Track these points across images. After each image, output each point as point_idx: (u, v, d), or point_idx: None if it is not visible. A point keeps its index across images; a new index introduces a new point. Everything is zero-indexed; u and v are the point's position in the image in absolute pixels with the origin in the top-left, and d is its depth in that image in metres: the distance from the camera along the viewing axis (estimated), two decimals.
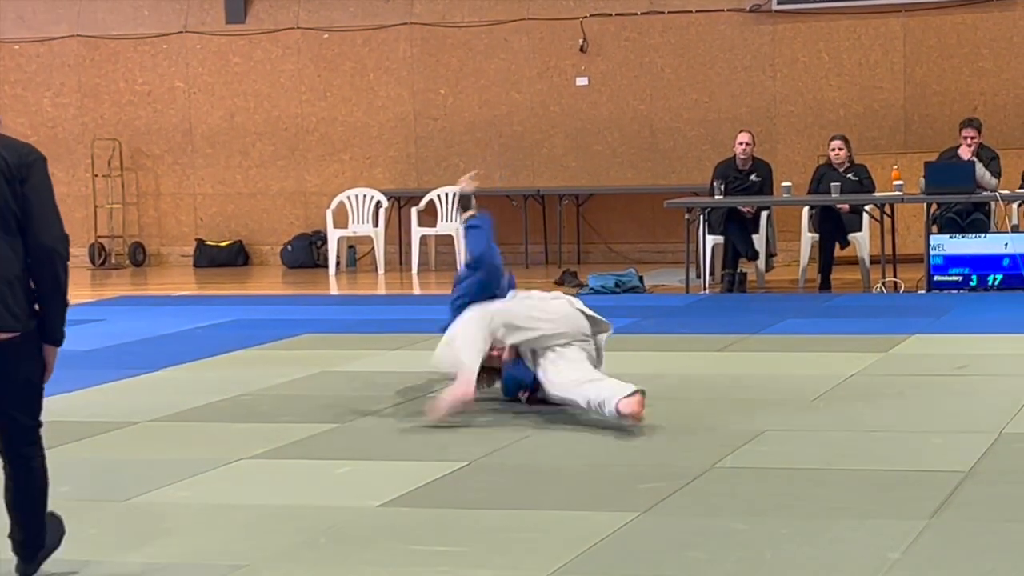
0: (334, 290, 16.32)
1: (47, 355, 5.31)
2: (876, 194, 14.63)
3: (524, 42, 18.10)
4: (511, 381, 8.54)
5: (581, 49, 17.93)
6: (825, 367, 9.64)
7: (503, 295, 8.55)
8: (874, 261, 14.53)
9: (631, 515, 6.09)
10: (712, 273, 14.94)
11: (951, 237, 13.96)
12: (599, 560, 5.55)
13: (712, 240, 14.80)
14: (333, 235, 17.51)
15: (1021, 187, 14.69)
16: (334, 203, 17.65)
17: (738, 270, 14.56)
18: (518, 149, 18.18)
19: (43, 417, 5.42)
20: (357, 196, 17.72)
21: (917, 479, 6.63)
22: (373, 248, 17.68)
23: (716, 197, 14.58)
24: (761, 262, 14.75)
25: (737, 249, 14.60)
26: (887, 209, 14.45)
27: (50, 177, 5.33)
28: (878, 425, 7.88)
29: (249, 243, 18.98)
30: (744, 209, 14.65)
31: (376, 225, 17.56)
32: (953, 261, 13.77)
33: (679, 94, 17.73)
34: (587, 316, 8.44)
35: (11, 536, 5.46)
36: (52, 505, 5.53)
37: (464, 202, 9.11)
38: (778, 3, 17.34)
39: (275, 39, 18.75)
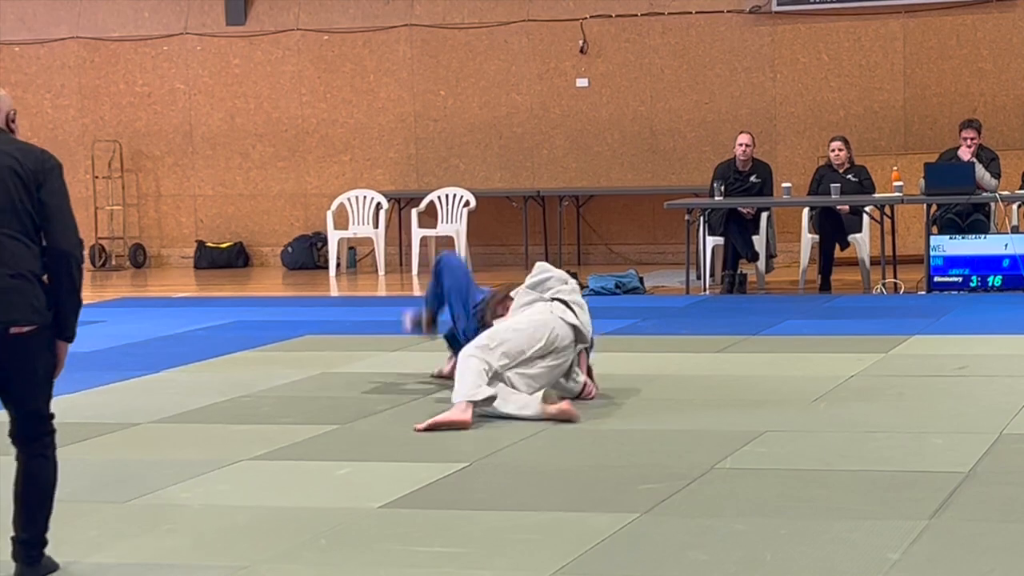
0: (334, 291, 16.33)
1: (59, 351, 5.52)
2: (876, 195, 14.63)
3: (524, 43, 18.11)
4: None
5: (581, 50, 17.94)
6: (825, 368, 9.64)
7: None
8: (874, 262, 14.54)
9: (631, 516, 6.10)
10: (712, 274, 14.95)
11: (951, 238, 13.97)
12: (599, 561, 5.56)
13: (712, 241, 14.81)
14: (333, 236, 17.52)
15: (1021, 188, 14.69)
16: (334, 204, 17.67)
17: (738, 271, 14.57)
18: (518, 150, 18.19)
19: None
20: (357, 197, 17.73)
21: (917, 480, 6.63)
22: (373, 249, 17.69)
23: (716, 198, 14.59)
24: (761, 263, 14.75)
25: (737, 250, 14.61)
26: (887, 210, 14.45)
27: (66, 184, 5.56)
28: (878, 426, 7.88)
29: (249, 244, 18.99)
30: (744, 210, 14.66)
31: (376, 226, 17.57)
32: (953, 262, 13.78)
33: (679, 95, 17.74)
34: (569, 324, 8.55)
35: (15, 537, 5.48)
36: (53, 508, 5.55)
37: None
38: (778, 4, 17.35)
39: (275, 41, 18.76)
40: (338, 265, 17.61)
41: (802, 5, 17.31)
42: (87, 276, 17.85)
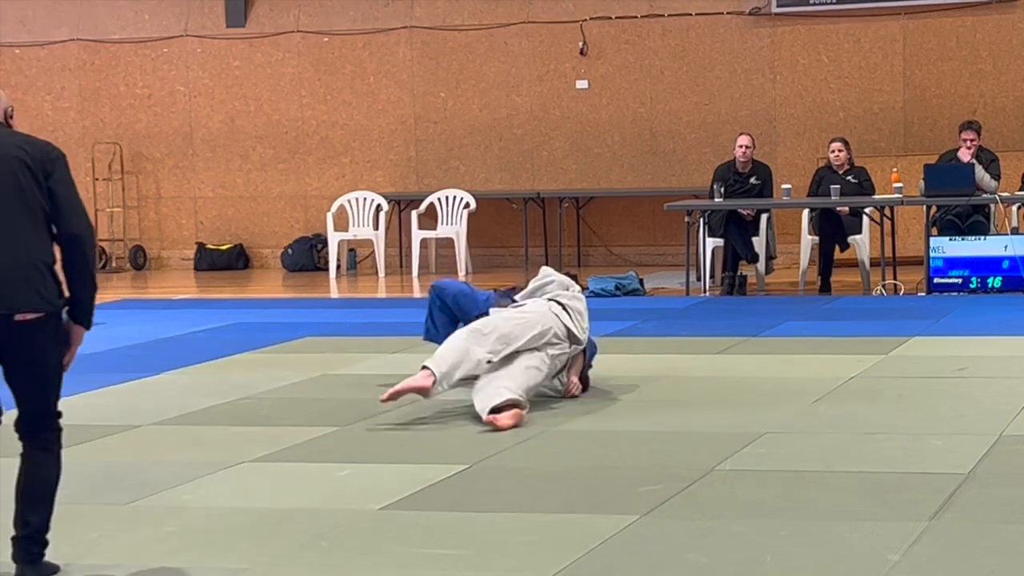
0: (334, 293, 16.33)
1: (76, 335, 5.56)
2: (876, 196, 14.64)
3: (524, 45, 18.12)
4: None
5: (581, 52, 17.95)
6: (825, 369, 9.65)
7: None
8: (874, 263, 14.54)
9: (631, 518, 6.10)
10: (712, 276, 14.96)
11: (951, 239, 13.98)
12: (599, 563, 5.56)
13: (712, 243, 14.82)
14: (333, 238, 17.53)
15: (1021, 189, 14.70)
16: (334, 206, 17.67)
17: (738, 273, 14.58)
18: (518, 152, 18.20)
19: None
20: (357, 199, 17.73)
21: (917, 481, 6.64)
22: (373, 251, 17.69)
23: (716, 200, 14.60)
24: (761, 265, 14.76)
25: (737, 252, 14.62)
26: (887, 211, 14.46)
27: (71, 172, 5.70)
28: (878, 427, 7.89)
29: (249, 246, 19.00)
30: (744, 212, 14.66)
31: (376, 228, 17.57)
32: (953, 263, 13.79)
33: (679, 97, 17.75)
34: (565, 324, 8.66)
35: (15, 536, 5.47)
36: (54, 509, 5.56)
37: None
38: (778, 6, 17.36)
39: (275, 43, 18.77)
40: (338, 267, 17.62)
41: (802, 7, 17.32)
42: None
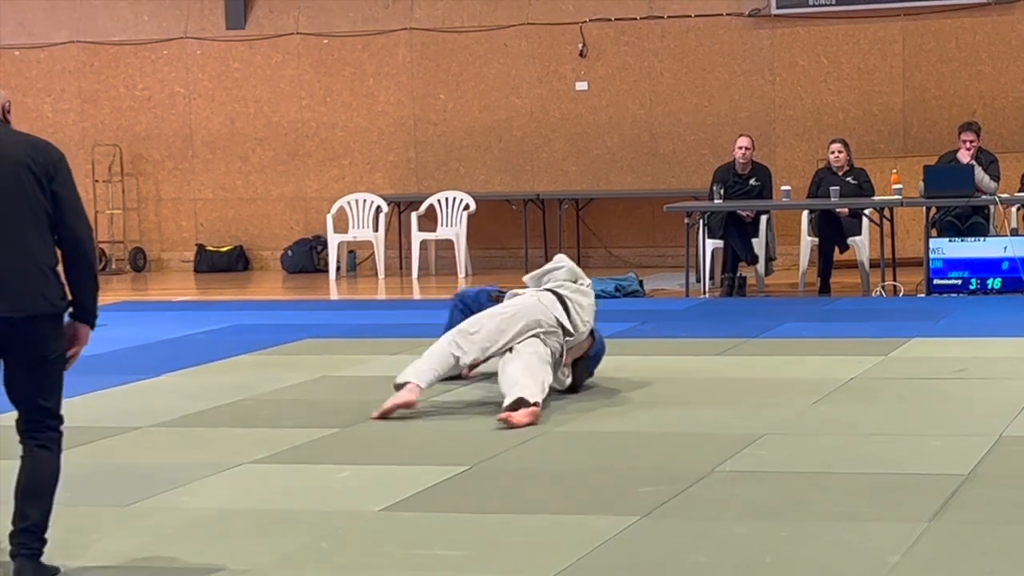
0: (334, 295, 16.34)
1: (81, 334, 5.64)
2: (875, 198, 14.65)
3: (524, 47, 18.13)
4: None
5: (581, 54, 17.96)
6: (824, 371, 9.65)
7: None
8: (873, 265, 14.55)
9: (631, 519, 6.11)
10: (712, 277, 14.96)
11: (950, 241, 13.99)
12: (599, 564, 5.57)
13: (712, 244, 14.82)
14: (333, 240, 17.53)
15: (1020, 190, 14.71)
16: (334, 208, 17.68)
17: (738, 274, 14.58)
18: (518, 153, 18.21)
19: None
20: (357, 201, 17.74)
21: (917, 482, 6.64)
22: (373, 253, 17.70)
23: (716, 201, 14.61)
24: (761, 266, 14.77)
25: (737, 253, 14.62)
26: (886, 213, 14.46)
27: (71, 173, 5.79)
28: (877, 428, 7.90)
29: (249, 248, 19.00)
30: (743, 213, 14.67)
31: (376, 230, 17.58)
32: (952, 265, 13.79)
33: (678, 98, 17.76)
34: (555, 314, 8.73)
35: (13, 533, 5.47)
36: (54, 510, 5.57)
37: None
38: (777, 7, 17.37)
39: (275, 44, 18.78)
40: (338, 269, 17.62)
41: (801, 8, 17.32)
42: None
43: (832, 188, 14.38)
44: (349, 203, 17.72)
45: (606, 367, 9.46)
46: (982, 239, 13.98)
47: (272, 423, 8.45)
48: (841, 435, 7.75)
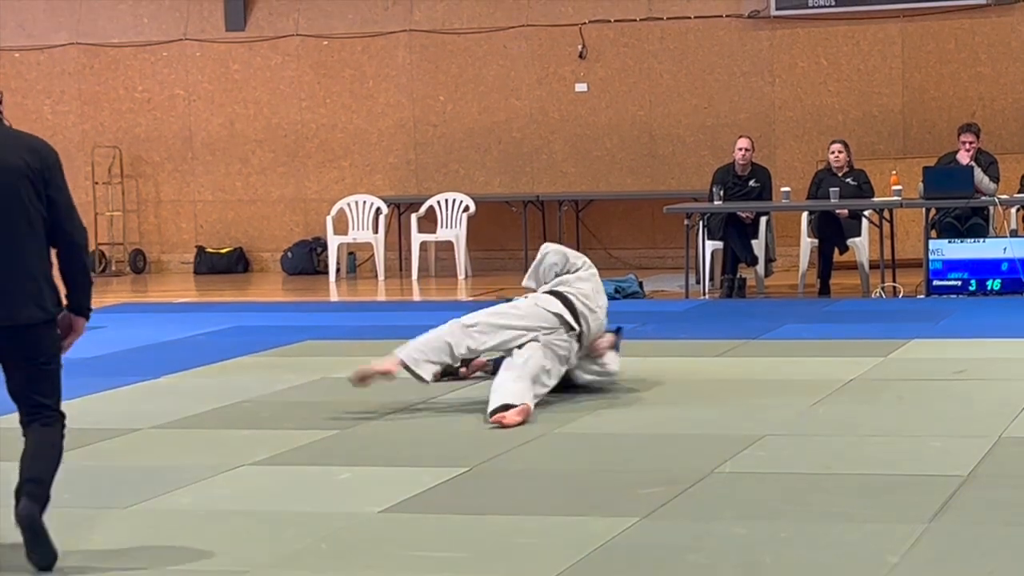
0: (334, 296, 16.34)
1: (77, 326, 5.80)
2: (875, 199, 14.65)
3: (523, 48, 18.13)
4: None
5: (580, 55, 17.97)
6: (824, 372, 9.66)
7: None
8: (873, 266, 14.55)
9: (631, 520, 6.11)
10: (712, 278, 14.97)
11: (950, 242, 13.99)
12: (599, 565, 5.57)
13: (711, 245, 14.83)
14: (333, 242, 17.53)
15: (1020, 192, 14.71)
16: (334, 210, 17.68)
17: (737, 275, 14.59)
18: (517, 155, 18.21)
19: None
20: (357, 203, 17.74)
21: (916, 483, 6.64)
22: (373, 254, 17.70)
23: (715, 203, 14.61)
24: (760, 267, 14.77)
25: (736, 254, 14.63)
26: (886, 214, 14.47)
27: (64, 174, 5.82)
28: (877, 429, 7.90)
29: (249, 250, 19.01)
30: (743, 214, 14.68)
31: (376, 231, 17.58)
32: (952, 266, 13.80)
33: (678, 100, 17.77)
34: (555, 313, 8.77)
35: (19, 486, 5.63)
36: (53, 513, 5.59)
37: None
38: (776, 9, 17.37)
39: (275, 46, 18.78)
40: (338, 270, 17.63)
41: (800, 10, 17.33)
42: None
43: (832, 189, 14.38)
44: (349, 205, 17.73)
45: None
46: (981, 240, 13.99)
47: (272, 424, 8.45)
48: (841, 436, 7.76)
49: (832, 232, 14.58)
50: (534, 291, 9.10)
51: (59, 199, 5.73)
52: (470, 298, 15.39)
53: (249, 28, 18.86)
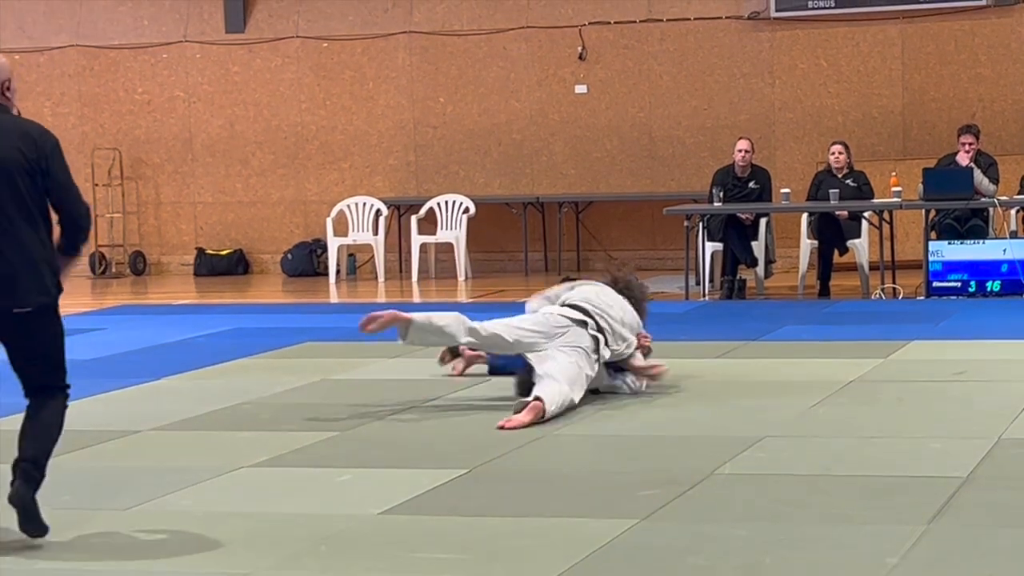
0: (334, 298, 16.34)
1: (66, 265, 6.07)
2: (875, 200, 14.66)
3: (523, 50, 18.14)
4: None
5: (580, 57, 17.97)
6: (824, 373, 9.66)
7: None
8: (873, 267, 14.56)
9: (631, 521, 6.12)
10: (711, 280, 14.97)
11: (950, 243, 13.99)
12: (599, 567, 5.57)
13: (711, 247, 14.83)
14: (333, 243, 17.54)
15: (1019, 193, 14.72)
16: (334, 211, 17.68)
17: (737, 277, 14.59)
18: (517, 157, 18.21)
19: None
20: (357, 204, 17.75)
21: (915, 485, 6.65)
22: (373, 256, 17.70)
23: (715, 204, 14.62)
24: (760, 269, 14.77)
25: (736, 256, 14.63)
26: (886, 215, 14.47)
27: (63, 155, 6.05)
28: (877, 431, 7.91)
29: (249, 252, 19.01)
30: (743, 216, 14.68)
31: (376, 233, 17.59)
32: (952, 267, 13.80)
33: (678, 101, 17.77)
34: (562, 315, 8.85)
35: (15, 463, 5.91)
36: (54, 514, 5.61)
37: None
38: (776, 10, 17.38)
39: (275, 48, 18.79)
40: (338, 272, 17.63)
41: (800, 11, 17.33)
42: (87, 284, 17.91)
43: (832, 191, 14.39)
44: (349, 206, 17.73)
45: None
46: (981, 242, 13.99)
47: (272, 426, 8.46)
48: (840, 437, 7.76)
49: (832, 233, 14.58)
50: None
51: (59, 180, 5.96)
52: (470, 299, 15.40)
53: (249, 30, 18.86)
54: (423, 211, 17.50)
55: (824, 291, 14.44)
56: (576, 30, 17.96)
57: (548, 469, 7.26)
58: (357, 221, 17.66)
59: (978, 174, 14.36)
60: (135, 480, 7.18)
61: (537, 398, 8.25)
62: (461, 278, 17.15)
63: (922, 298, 13.90)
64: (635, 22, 17.85)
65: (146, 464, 7.61)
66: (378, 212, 17.64)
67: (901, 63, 17.26)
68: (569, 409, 8.41)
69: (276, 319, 13.72)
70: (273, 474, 7.30)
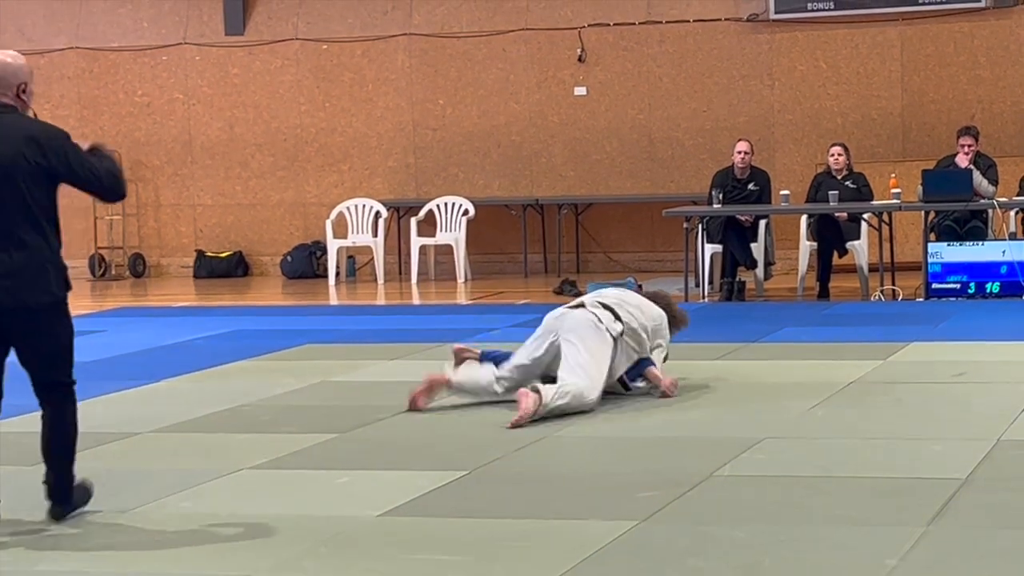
0: (334, 300, 16.35)
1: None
2: (874, 202, 14.66)
3: (522, 52, 18.14)
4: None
5: (579, 59, 17.98)
6: (823, 375, 9.66)
7: None
8: (872, 269, 14.56)
9: (630, 523, 6.12)
10: (711, 282, 14.97)
11: (949, 245, 14.00)
12: (598, 568, 5.58)
13: (711, 249, 14.84)
14: (332, 245, 17.54)
15: (1018, 195, 14.72)
16: (333, 213, 17.69)
17: (737, 279, 14.59)
18: (517, 159, 18.22)
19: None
20: (356, 206, 17.75)
21: (915, 486, 6.65)
22: (372, 258, 17.71)
23: (714, 206, 14.62)
24: (760, 270, 14.78)
25: (736, 258, 14.63)
26: (885, 217, 14.48)
27: (75, 144, 6.23)
28: (876, 432, 7.91)
29: (249, 254, 19.01)
30: (742, 218, 14.68)
31: (375, 235, 17.60)
32: (951, 269, 13.81)
33: (677, 103, 17.77)
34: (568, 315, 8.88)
35: (45, 481, 6.29)
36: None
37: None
38: (775, 12, 17.38)
39: (274, 50, 18.79)
40: (337, 274, 17.64)
41: (800, 13, 17.34)
42: (87, 286, 17.91)
43: (831, 192, 14.39)
44: (348, 208, 17.74)
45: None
46: (980, 243, 14.00)
47: (271, 428, 8.46)
48: (840, 439, 7.76)
49: (831, 235, 14.59)
50: None
51: (78, 170, 6.09)
52: (469, 301, 15.40)
53: (248, 32, 18.87)
54: (422, 213, 17.51)
55: (823, 293, 14.44)
56: (575, 32, 17.97)
57: (548, 470, 7.26)
58: (357, 223, 17.67)
59: (977, 176, 14.37)
60: (134, 482, 7.18)
61: (534, 388, 8.28)
62: (460, 280, 17.16)
63: (921, 300, 13.90)
64: (634, 24, 17.86)
65: (145, 466, 7.61)
66: (377, 214, 17.65)
67: (900, 65, 17.27)
68: (590, 392, 8.49)
69: (276, 321, 13.72)
70: (273, 476, 7.30)
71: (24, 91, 6.13)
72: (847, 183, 14.75)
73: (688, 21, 17.70)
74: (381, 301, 16.25)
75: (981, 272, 13.74)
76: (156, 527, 6.35)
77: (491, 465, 7.36)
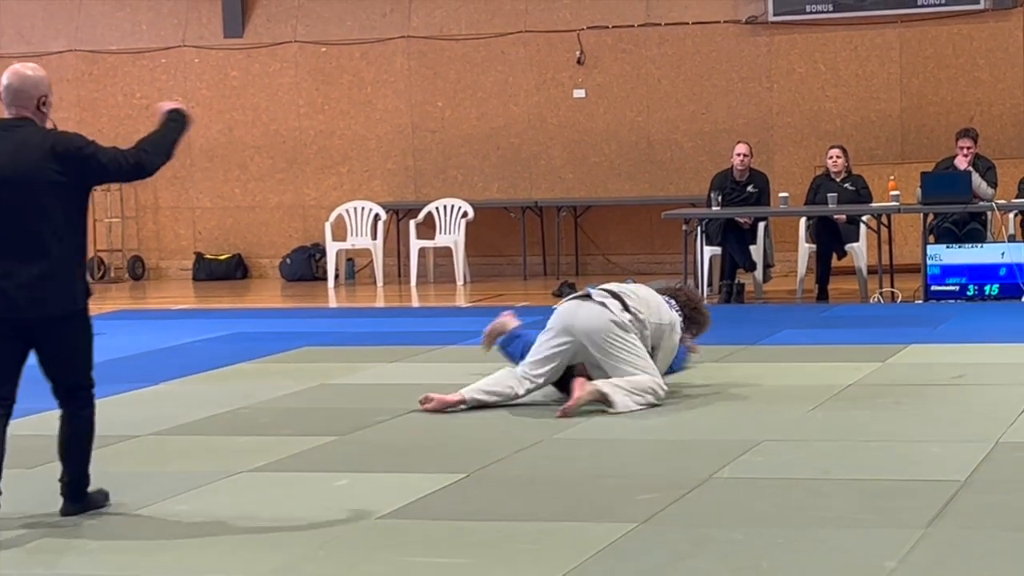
0: (333, 303, 16.35)
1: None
2: (873, 204, 14.67)
3: (521, 55, 18.15)
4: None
5: (578, 61, 17.98)
6: (822, 377, 9.67)
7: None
8: (871, 271, 14.57)
9: (629, 526, 6.12)
10: (710, 284, 14.98)
11: (948, 247, 14.00)
12: (597, 571, 5.58)
13: (710, 251, 14.84)
14: (332, 248, 17.55)
15: (1017, 197, 14.73)
16: (333, 216, 17.69)
17: (736, 281, 14.59)
18: (516, 161, 18.22)
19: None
20: (355, 209, 17.76)
21: (914, 488, 6.65)
22: (372, 261, 17.71)
23: (713, 208, 14.63)
24: (759, 273, 14.79)
25: (735, 260, 14.64)
26: (884, 219, 14.48)
27: (94, 142, 6.42)
28: (875, 435, 7.91)
29: (248, 256, 19.01)
30: (741, 220, 14.68)
31: (375, 238, 17.60)
32: (950, 271, 13.81)
33: (676, 106, 17.78)
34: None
35: (60, 479, 6.43)
36: (52, 519, 5.62)
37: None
38: (774, 14, 17.39)
39: (273, 53, 18.80)
40: (336, 276, 17.64)
41: (799, 15, 17.35)
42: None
43: (830, 195, 14.39)
44: (347, 211, 17.74)
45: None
46: (979, 245, 14.00)
47: (271, 431, 8.46)
48: (838, 441, 7.76)
49: (830, 237, 14.59)
50: None
51: (107, 166, 6.28)
52: (469, 304, 15.41)
53: (247, 35, 18.87)
54: (422, 215, 17.51)
55: (822, 295, 14.44)
56: (574, 34, 17.97)
57: (546, 473, 7.26)
58: (356, 226, 17.67)
59: (976, 178, 14.37)
60: (134, 484, 7.18)
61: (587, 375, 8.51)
62: (460, 282, 17.16)
63: (920, 302, 13.91)
64: (633, 26, 17.86)
65: (145, 468, 7.61)
66: (377, 216, 17.66)
67: (899, 67, 17.28)
68: (654, 380, 8.69)
69: (275, 324, 13.72)
70: (272, 478, 7.30)
71: (44, 103, 6.28)
72: (846, 185, 14.75)
73: (687, 23, 17.71)
74: (380, 303, 16.25)
75: (980, 274, 13.75)
76: (155, 529, 6.36)
77: (490, 468, 7.36)
